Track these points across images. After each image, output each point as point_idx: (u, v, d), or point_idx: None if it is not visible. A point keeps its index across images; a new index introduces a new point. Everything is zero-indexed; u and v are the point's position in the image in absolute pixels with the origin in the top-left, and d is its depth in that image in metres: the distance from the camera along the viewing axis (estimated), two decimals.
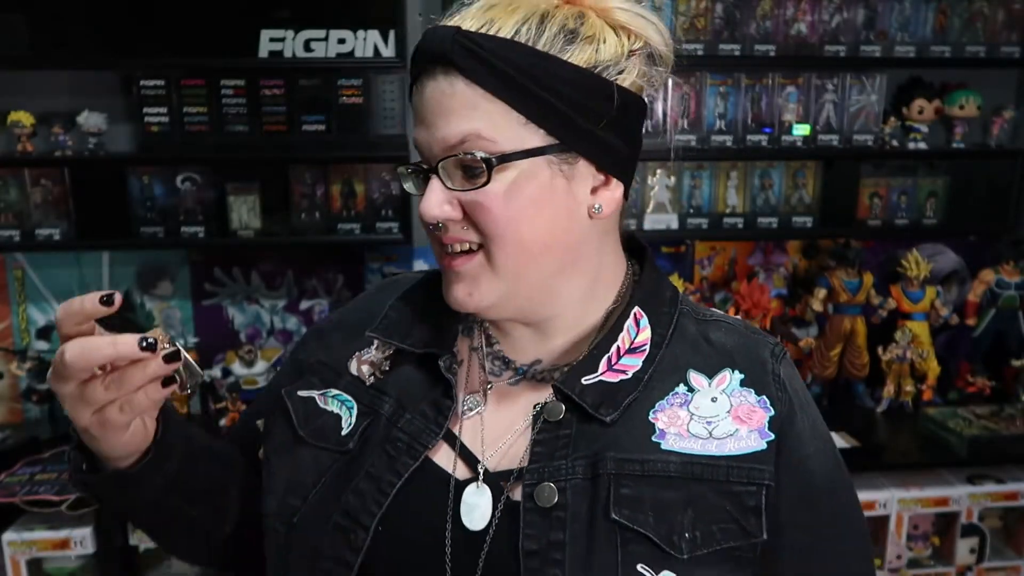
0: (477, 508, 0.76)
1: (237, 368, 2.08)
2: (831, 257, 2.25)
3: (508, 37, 0.72)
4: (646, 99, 0.80)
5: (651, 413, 0.78)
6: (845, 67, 2.10)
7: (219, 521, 0.90)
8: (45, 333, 2.19)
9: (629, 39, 0.77)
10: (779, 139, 2.09)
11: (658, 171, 2.11)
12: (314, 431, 0.83)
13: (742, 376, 0.80)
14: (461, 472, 0.79)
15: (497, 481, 0.77)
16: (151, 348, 0.68)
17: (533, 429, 0.78)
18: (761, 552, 0.76)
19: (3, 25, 1.86)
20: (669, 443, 0.76)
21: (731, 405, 0.78)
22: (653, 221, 2.10)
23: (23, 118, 1.93)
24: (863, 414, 2.19)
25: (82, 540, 1.72)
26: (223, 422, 2.05)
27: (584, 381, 0.78)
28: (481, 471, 0.78)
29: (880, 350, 2.19)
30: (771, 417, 0.77)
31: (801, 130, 2.09)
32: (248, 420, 0.97)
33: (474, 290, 0.77)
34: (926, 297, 2.21)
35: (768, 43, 2.03)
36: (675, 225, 2.11)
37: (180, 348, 0.70)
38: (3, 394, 2.19)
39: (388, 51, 1.93)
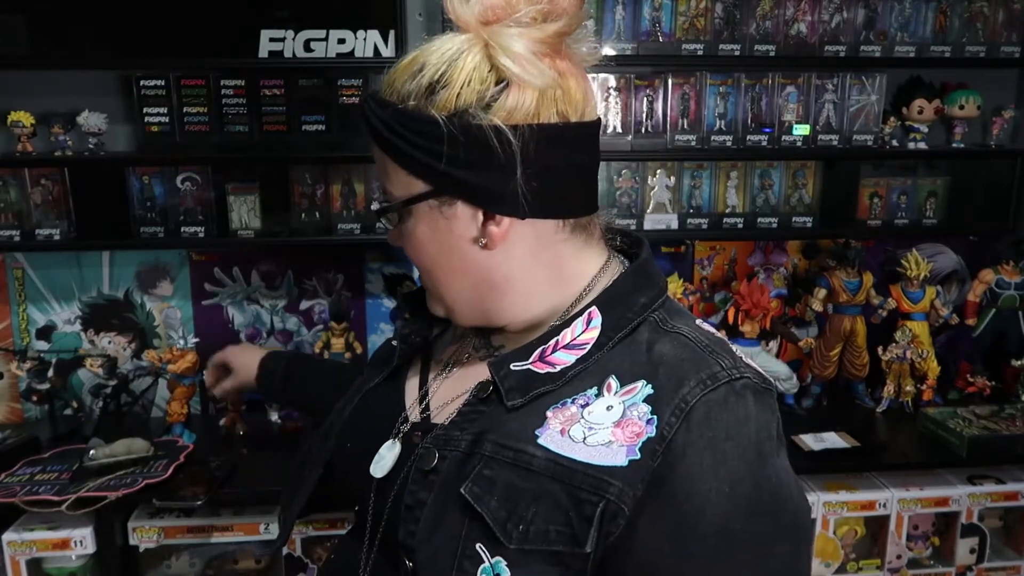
0: (383, 460, 0.89)
1: None
2: (831, 257, 2.25)
3: (390, 98, 0.81)
4: (555, 121, 0.78)
5: (551, 408, 0.80)
6: (845, 67, 2.10)
7: None
8: (45, 333, 2.19)
9: (498, 71, 0.77)
10: (779, 139, 2.09)
11: (658, 171, 2.11)
12: (374, 358, 1.13)
13: (651, 391, 0.77)
14: (413, 416, 0.94)
15: (412, 434, 0.90)
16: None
17: (466, 400, 0.87)
18: (608, 569, 0.75)
19: (3, 25, 1.86)
20: (544, 439, 0.77)
21: (620, 417, 0.76)
22: (653, 221, 2.10)
23: (23, 118, 1.93)
24: (863, 414, 2.19)
25: (82, 540, 1.72)
26: (223, 422, 2.05)
27: (512, 367, 0.84)
28: (403, 429, 0.91)
29: (880, 350, 2.19)
30: (649, 438, 0.74)
31: (801, 130, 2.09)
32: None
33: (436, 308, 0.94)
34: (926, 297, 2.21)
35: (768, 43, 2.03)
36: (675, 225, 2.11)
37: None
38: (3, 394, 2.19)
39: (388, 51, 1.92)
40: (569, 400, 0.80)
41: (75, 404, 2.17)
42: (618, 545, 0.74)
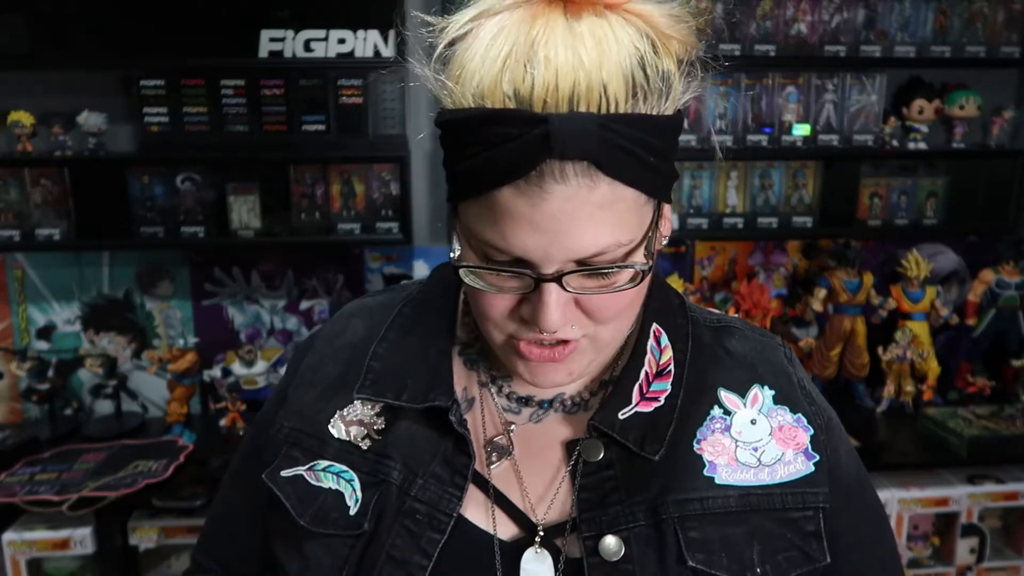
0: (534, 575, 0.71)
1: (237, 368, 2.08)
2: (831, 257, 2.25)
3: (627, 107, 0.60)
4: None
5: (695, 444, 0.74)
6: (845, 67, 2.10)
7: None
8: (45, 333, 2.19)
9: (683, 53, 0.68)
10: (779, 139, 2.09)
11: None
12: (315, 517, 0.73)
13: (773, 392, 0.77)
14: (504, 531, 0.73)
15: (551, 539, 0.72)
16: None
17: (574, 473, 0.73)
18: None
19: (3, 25, 1.86)
20: (722, 476, 0.72)
21: (771, 427, 0.75)
22: None
23: (23, 118, 1.93)
24: (863, 414, 2.19)
25: (82, 540, 1.72)
26: (223, 422, 2.05)
27: (621, 416, 0.73)
28: (540, 531, 0.72)
29: (880, 350, 2.19)
30: (811, 436, 0.76)
31: (801, 130, 2.09)
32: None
33: (575, 369, 0.70)
34: (926, 297, 2.21)
35: (768, 43, 2.03)
36: (675, 225, 2.11)
37: None
38: (3, 394, 2.19)
39: (388, 51, 1.93)
40: (703, 429, 0.74)
41: (75, 404, 2.17)
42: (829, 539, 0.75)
